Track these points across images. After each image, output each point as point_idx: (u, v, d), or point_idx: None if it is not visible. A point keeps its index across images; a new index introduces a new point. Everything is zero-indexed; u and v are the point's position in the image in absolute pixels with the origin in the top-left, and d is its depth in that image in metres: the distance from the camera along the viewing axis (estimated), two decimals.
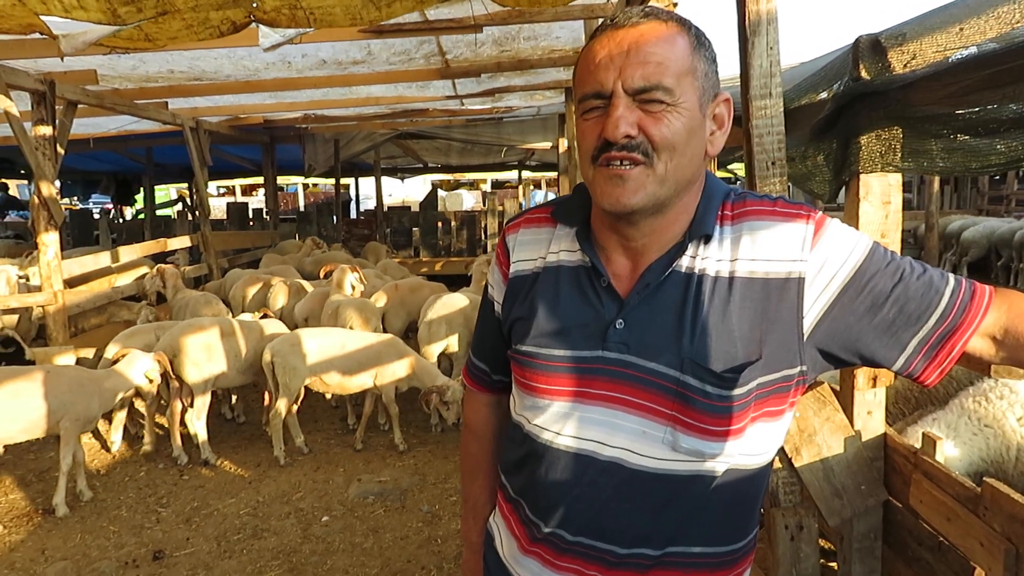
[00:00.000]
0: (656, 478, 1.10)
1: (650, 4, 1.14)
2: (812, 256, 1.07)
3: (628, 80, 1.04)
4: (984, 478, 1.93)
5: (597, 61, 1.07)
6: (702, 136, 1.10)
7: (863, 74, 2.28)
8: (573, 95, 1.15)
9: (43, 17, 2.58)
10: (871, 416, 2.39)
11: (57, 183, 6.06)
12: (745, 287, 1.08)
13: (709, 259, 1.11)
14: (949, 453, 2.62)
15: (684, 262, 1.11)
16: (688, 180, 1.11)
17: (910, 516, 2.28)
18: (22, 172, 16.32)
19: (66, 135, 6.21)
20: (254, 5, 2.68)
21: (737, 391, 1.06)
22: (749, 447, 1.11)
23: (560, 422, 1.16)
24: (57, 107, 5.97)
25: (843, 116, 2.42)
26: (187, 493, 4.60)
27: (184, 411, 5.07)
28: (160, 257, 10.00)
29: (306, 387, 5.02)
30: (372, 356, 5.03)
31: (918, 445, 2.30)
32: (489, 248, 13.85)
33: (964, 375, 3.04)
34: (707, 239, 1.11)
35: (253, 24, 2.91)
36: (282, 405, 4.90)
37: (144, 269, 9.04)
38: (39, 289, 6.03)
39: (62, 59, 2.90)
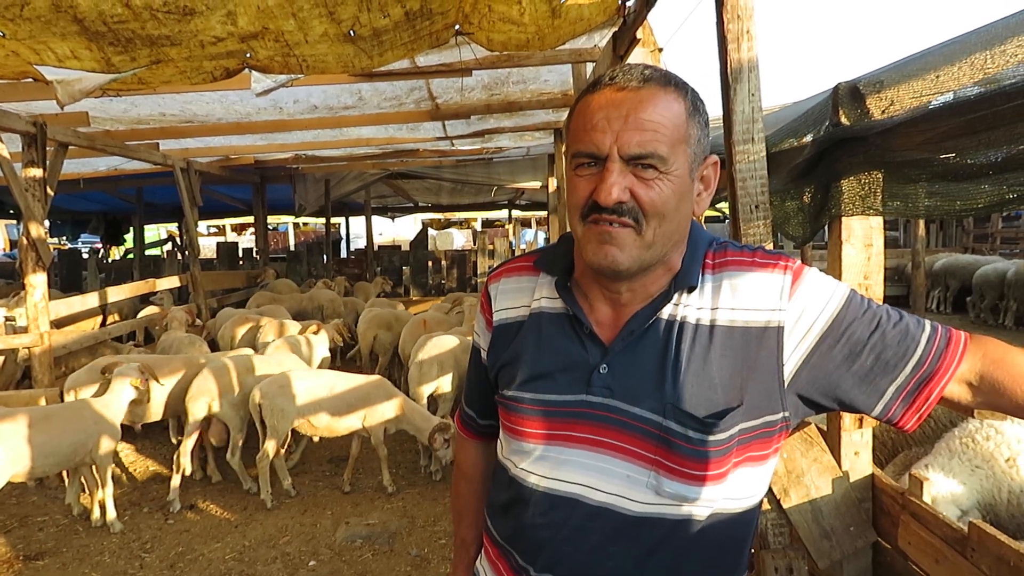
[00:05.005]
0: (641, 522, 1.11)
1: (649, 65, 1.15)
2: (790, 306, 1.10)
3: (624, 146, 1.06)
4: (970, 520, 1.94)
5: (594, 121, 1.08)
6: (691, 200, 1.14)
7: (843, 120, 2.33)
8: (567, 146, 1.17)
9: (37, 66, 2.61)
10: (858, 457, 2.40)
11: (46, 223, 6.05)
12: (725, 335, 1.10)
13: (690, 307, 1.13)
14: (955, 491, 2.61)
15: (667, 310, 1.14)
16: (675, 242, 1.14)
17: (899, 558, 2.28)
18: (11, 212, 16.30)
19: (56, 176, 6.22)
20: (247, 55, 2.72)
21: (719, 436, 1.08)
22: (733, 491, 1.12)
23: (545, 466, 1.18)
24: (48, 148, 5.99)
25: (823, 160, 2.47)
26: (172, 538, 4.53)
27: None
28: (147, 297, 9.97)
29: (293, 429, 4.99)
30: (360, 398, 5.01)
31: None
32: (479, 287, 13.87)
33: (945, 416, 3.05)
34: (691, 288, 1.14)
35: (246, 70, 2.96)
36: (270, 447, 4.85)
37: None
38: (25, 330, 5.99)
39: (62, 107, 2.94)
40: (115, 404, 4.63)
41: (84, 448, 4.38)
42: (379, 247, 18.76)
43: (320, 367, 6.45)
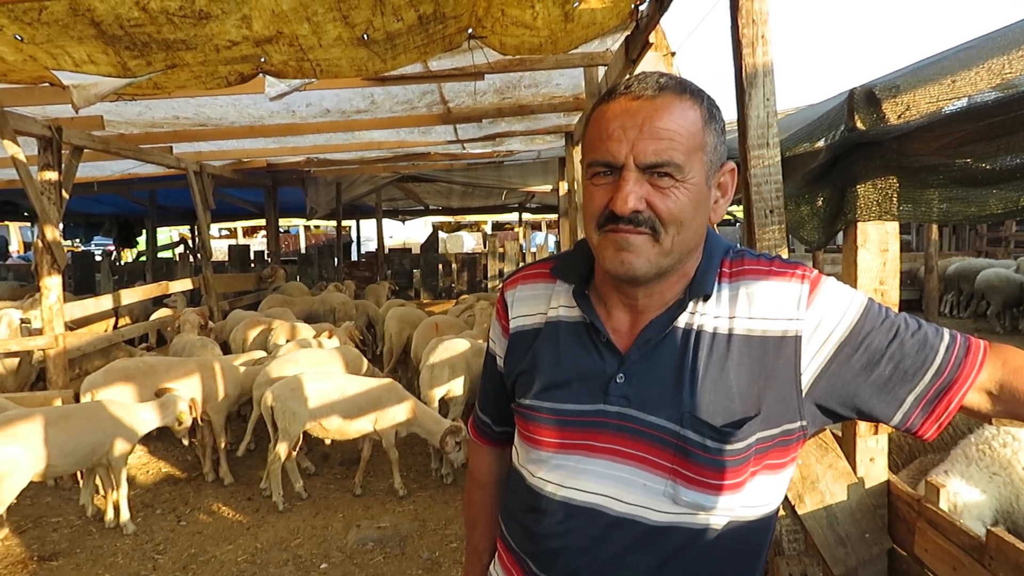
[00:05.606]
0: (658, 531, 1.11)
1: (664, 72, 1.14)
2: (808, 315, 1.09)
3: (640, 155, 1.05)
4: (988, 527, 1.92)
5: (610, 131, 1.08)
6: (707, 207, 1.13)
7: (858, 124, 2.32)
8: (583, 155, 1.17)
9: (53, 71, 2.63)
10: (874, 463, 2.38)
11: (60, 226, 6.10)
12: (743, 344, 1.10)
13: (707, 316, 1.13)
14: (977, 499, 2.58)
15: (683, 319, 1.14)
16: (692, 249, 1.13)
17: (915, 565, 2.26)
18: (25, 214, 16.45)
19: (71, 180, 6.27)
20: (262, 60, 2.74)
21: (736, 445, 1.07)
22: (750, 500, 1.12)
23: (562, 475, 1.17)
24: (63, 152, 6.04)
25: (838, 165, 2.45)
26: (184, 539, 4.55)
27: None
28: (160, 300, 10.03)
29: (305, 432, 5.01)
30: (372, 401, 5.02)
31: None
32: (490, 289, 13.89)
33: (963, 422, 3.03)
34: (706, 297, 1.14)
35: (260, 74, 2.97)
36: (281, 450, 4.87)
37: None
38: (40, 332, 6.04)
39: (76, 111, 2.96)
40: (142, 415, 4.68)
41: (102, 448, 4.42)
42: (390, 250, 18.80)
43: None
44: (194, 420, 4.87)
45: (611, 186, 1.08)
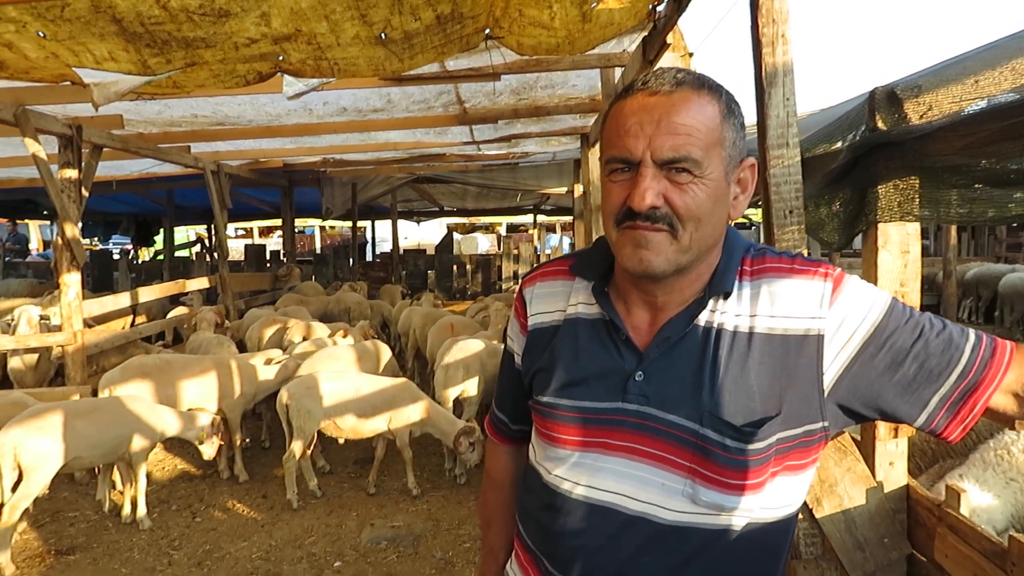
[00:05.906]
0: (676, 531, 1.10)
1: (682, 68, 1.13)
2: (831, 313, 1.08)
3: (657, 151, 1.04)
4: (1011, 533, 1.89)
5: (627, 127, 1.07)
6: (726, 203, 1.12)
7: (879, 124, 2.30)
8: (601, 152, 1.16)
9: (75, 68, 2.65)
10: (893, 467, 2.36)
11: (80, 224, 6.15)
12: (764, 343, 1.09)
13: (728, 314, 1.12)
14: (988, 504, 2.55)
15: (703, 316, 1.12)
16: (711, 245, 1.12)
17: (935, 571, 2.23)
18: (44, 213, 16.62)
19: (91, 178, 6.32)
20: (280, 58, 2.75)
21: (756, 445, 1.06)
22: (770, 501, 1.11)
23: (579, 473, 1.17)
24: (83, 150, 6.10)
25: (859, 166, 2.43)
26: (199, 536, 4.57)
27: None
28: (177, 298, 10.10)
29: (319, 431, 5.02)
30: (386, 400, 5.03)
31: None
32: (504, 290, 13.89)
33: (984, 427, 2.99)
34: (726, 295, 1.12)
35: (278, 73, 2.98)
36: (296, 448, 4.88)
37: None
38: (59, 329, 6.09)
39: (96, 109, 2.98)
40: (166, 417, 4.72)
41: (127, 443, 4.48)
42: (404, 251, 18.84)
43: None
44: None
45: (629, 182, 1.08)
